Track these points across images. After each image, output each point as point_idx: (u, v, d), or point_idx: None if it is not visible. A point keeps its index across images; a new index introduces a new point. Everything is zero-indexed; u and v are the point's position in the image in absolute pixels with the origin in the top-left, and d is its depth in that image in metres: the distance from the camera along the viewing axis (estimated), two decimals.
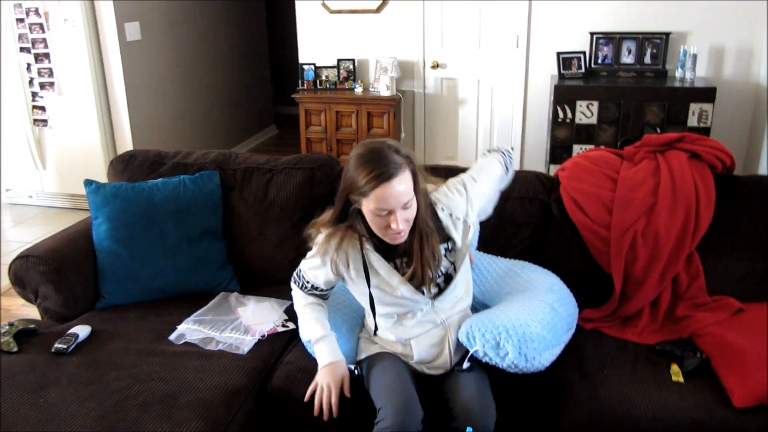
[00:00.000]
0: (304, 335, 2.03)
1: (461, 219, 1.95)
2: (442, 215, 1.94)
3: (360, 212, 1.83)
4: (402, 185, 1.73)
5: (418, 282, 1.88)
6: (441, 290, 1.95)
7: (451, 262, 1.95)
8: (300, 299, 2.10)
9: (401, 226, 1.76)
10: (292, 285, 2.14)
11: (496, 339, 1.83)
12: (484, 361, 1.87)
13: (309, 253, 2.01)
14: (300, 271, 2.07)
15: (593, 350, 2.12)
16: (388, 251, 1.90)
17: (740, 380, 1.84)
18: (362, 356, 2.05)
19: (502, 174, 2.20)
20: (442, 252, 1.93)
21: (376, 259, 1.89)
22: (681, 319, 2.20)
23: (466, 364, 1.89)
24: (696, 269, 2.27)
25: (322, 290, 2.06)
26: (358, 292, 2.00)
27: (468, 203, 1.98)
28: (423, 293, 1.92)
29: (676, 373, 1.96)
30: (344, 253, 1.89)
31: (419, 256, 1.85)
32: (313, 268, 2.00)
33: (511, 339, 1.82)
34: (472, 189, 2.02)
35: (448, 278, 1.95)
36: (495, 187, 2.16)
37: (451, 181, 2.06)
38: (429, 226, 1.86)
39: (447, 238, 1.95)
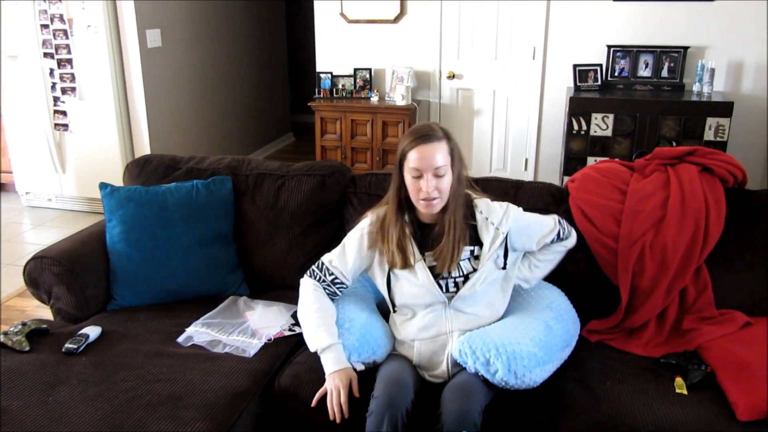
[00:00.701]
0: (312, 344, 2.04)
1: (494, 225, 2.03)
2: (479, 217, 2.06)
3: (408, 198, 2.01)
4: (437, 152, 1.92)
5: (440, 264, 2.00)
6: (458, 290, 2.03)
7: (473, 268, 2.03)
8: (309, 301, 2.10)
9: (432, 191, 1.92)
10: (306, 280, 2.15)
11: (485, 356, 1.87)
12: (478, 375, 1.91)
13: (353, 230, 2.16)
14: (322, 264, 2.13)
15: (596, 363, 2.11)
16: (422, 241, 2.05)
17: (745, 394, 1.82)
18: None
19: (553, 226, 2.18)
20: (467, 254, 2.03)
21: (409, 244, 2.03)
22: (687, 332, 2.19)
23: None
24: (704, 282, 2.26)
25: (342, 283, 2.10)
26: (381, 272, 2.09)
27: (505, 215, 2.06)
28: (441, 288, 2.01)
29: (680, 386, 1.95)
30: (387, 228, 2.05)
31: (444, 232, 1.99)
32: (352, 242, 2.11)
33: (500, 357, 1.85)
34: (513, 208, 2.10)
35: (467, 281, 2.03)
36: (539, 227, 2.16)
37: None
38: (460, 206, 2.00)
39: (477, 241, 2.04)
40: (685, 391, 1.93)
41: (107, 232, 2.56)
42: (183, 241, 2.54)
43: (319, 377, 2.03)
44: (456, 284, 2.03)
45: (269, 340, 2.28)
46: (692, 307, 2.25)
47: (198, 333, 2.30)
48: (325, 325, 2.04)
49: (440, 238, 2.00)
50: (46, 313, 2.59)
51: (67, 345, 2.18)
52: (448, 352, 2.01)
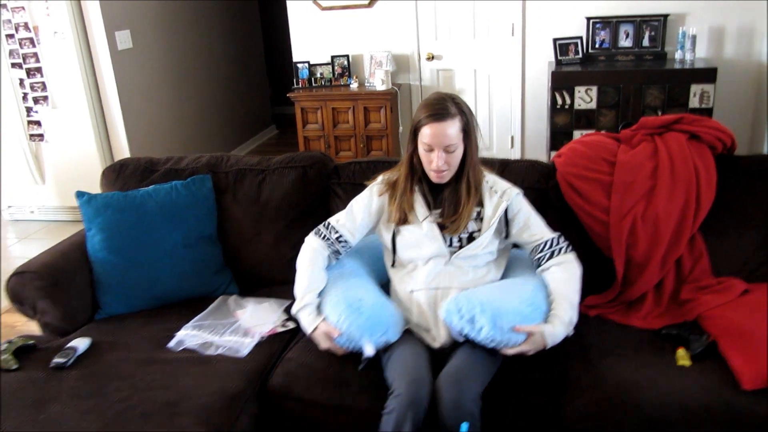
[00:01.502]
0: (295, 304, 2.11)
1: (498, 193, 2.09)
2: (485, 186, 2.12)
3: (419, 162, 2.08)
4: (449, 129, 1.97)
5: (452, 228, 2.06)
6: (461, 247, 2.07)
7: (478, 228, 2.08)
8: (305, 260, 2.15)
9: (441, 165, 1.99)
10: (310, 237, 2.19)
11: (471, 313, 1.89)
12: (463, 334, 1.91)
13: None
14: (329, 224, 2.19)
15: (596, 338, 2.09)
16: (432, 199, 2.11)
17: (748, 362, 1.80)
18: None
19: (549, 232, 2.12)
20: (474, 215, 2.08)
21: (418, 197, 2.11)
22: (686, 302, 2.17)
23: (459, 338, 1.96)
24: (699, 251, 2.24)
25: (346, 242, 2.15)
26: (386, 230, 2.14)
27: (510, 189, 2.11)
28: (444, 240, 2.06)
29: (683, 357, 1.92)
30: (397, 186, 2.13)
31: (457, 196, 2.05)
32: (360, 199, 2.18)
33: (485, 313, 1.88)
34: (519, 191, 2.13)
35: (471, 240, 2.07)
36: (537, 219, 2.13)
37: None
38: (476, 175, 2.07)
39: (481, 203, 2.10)
40: (687, 362, 1.91)
41: (87, 241, 2.50)
42: (166, 244, 2.49)
43: (312, 372, 2.02)
44: (460, 240, 2.07)
45: (262, 338, 2.24)
46: (689, 276, 2.22)
47: (189, 336, 2.25)
48: (309, 285, 2.09)
49: (452, 201, 2.07)
50: (36, 326, 2.54)
51: (56, 359, 2.13)
52: (439, 309, 2.03)
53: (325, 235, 2.15)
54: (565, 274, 2.03)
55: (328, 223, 2.18)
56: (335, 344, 2.00)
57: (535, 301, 1.97)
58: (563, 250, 2.07)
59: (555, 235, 2.09)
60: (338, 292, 2.06)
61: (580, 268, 2.06)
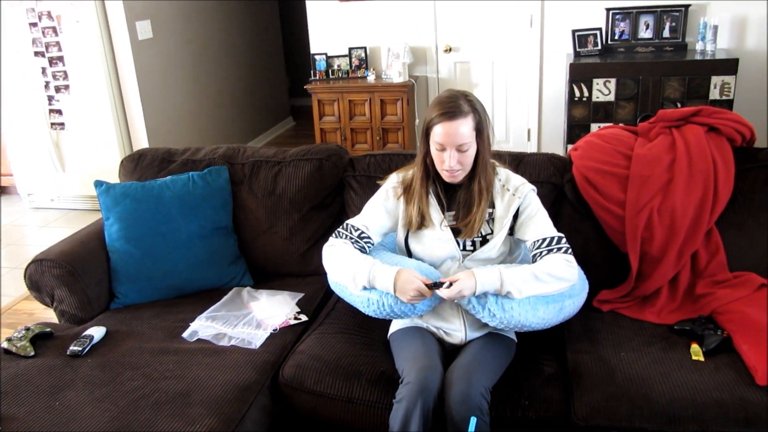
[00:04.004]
0: (358, 281, 1.95)
1: (510, 191, 2.03)
2: (497, 184, 2.07)
3: (432, 163, 2.02)
4: (462, 128, 1.91)
5: (467, 232, 2.00)
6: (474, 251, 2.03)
7: (491, 229, 2.03)
8: (337, 252, 2.03)
9: (454, 165, 1.93)
10: (330, 240, 2.09)
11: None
12: (468, 308, 1.91)
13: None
14: (347, 225, 2.10)
15: (609, 333, 2.08)
16: (446, 201, 2.06)
17: (763, 357, 1.78)
18: (394, 329, 2.12)
19: (554, 232, 2.01)
20: (485, 216, 2.03)
21: (432, 199, 2.06)
22: (701, 297, 2.14)
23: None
24: (716, 245, 2.21)
25: (369, 237, 2.07)
26: (402, 230, 2.09)
27: (523, 185, 2.04)
28: (458, 244, 2.02)
29: (696, 353, 1.91)
30: (412, 190, 2.07)
31: (469, 198, 2.00)
32: (377, 200, 2.12)
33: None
34: (532, 188, 2.05)
35: (485, 242, 2.03)
36: (546, 219, 2.03)
37: None
38: (488, 176, 2.01)
39: (492, 204, 2.05)
40: (701, 358, 1.90)
41: (105, 230, 2.52)
42: (182, 234, 2.51)
43: (323, 364, 2.02)
44: (473, 243, 2.03)
45: (275, 330, 2.25)
46: (705, 271, 2.20)
47: (203, 327, 2.27)
48: (359, 256, 1.98)
49: (465, 203, 2.01)
50: (53, 314, 2.57)
51: (72, 347, 2.16)
52: (460, 309, 2.01)
53: (345, 235, 2.07)
54: (549, 259, 1.92)
55: (346, 224, 2.09)
56: (422, 285, 1.86)
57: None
58: (562, 251, 1.95)
59: (558, 234, 2.00)
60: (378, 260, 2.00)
61: (570, 270, 1.92)
